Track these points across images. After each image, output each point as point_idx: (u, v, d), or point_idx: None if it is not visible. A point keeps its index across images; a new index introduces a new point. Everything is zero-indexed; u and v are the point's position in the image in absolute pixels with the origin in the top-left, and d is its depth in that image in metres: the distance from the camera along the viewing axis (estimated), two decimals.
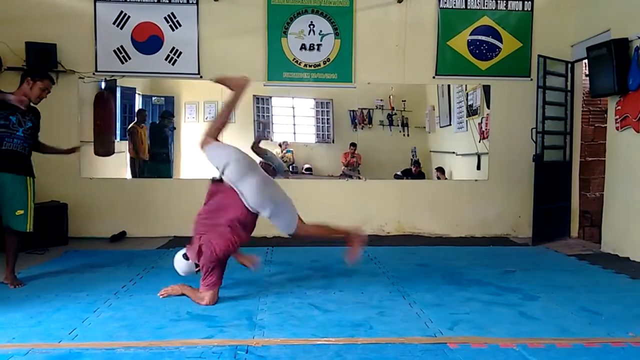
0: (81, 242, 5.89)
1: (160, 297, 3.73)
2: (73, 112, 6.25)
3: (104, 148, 6.47)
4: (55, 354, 2.72)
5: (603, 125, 6.23)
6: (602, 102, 6.36)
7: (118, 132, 6.58)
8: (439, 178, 6.80)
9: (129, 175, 6.58)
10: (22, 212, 4.04)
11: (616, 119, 5.54)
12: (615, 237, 5.60)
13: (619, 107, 5.48)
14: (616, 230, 5.60)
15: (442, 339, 2.98)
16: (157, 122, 6.69)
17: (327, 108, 6.77)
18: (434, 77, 6.59)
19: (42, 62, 5.91)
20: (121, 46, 6.25)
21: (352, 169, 6.73)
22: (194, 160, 6.57)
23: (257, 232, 6.18)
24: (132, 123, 6.60)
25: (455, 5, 6.51)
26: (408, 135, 6.75)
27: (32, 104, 4.21)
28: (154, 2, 6.28)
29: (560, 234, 6.44)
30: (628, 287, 4.25)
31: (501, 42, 6.56)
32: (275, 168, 6.36)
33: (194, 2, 6.29)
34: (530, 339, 2.98)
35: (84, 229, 6.15)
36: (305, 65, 6.47)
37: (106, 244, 5.92)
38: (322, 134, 6.83)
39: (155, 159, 6.69)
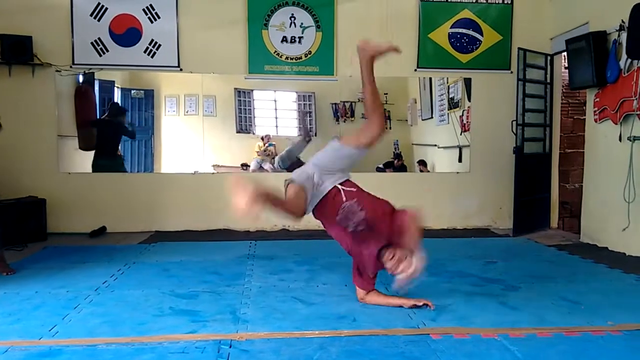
0: (60, 238, 5.80)
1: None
2: (51, 106, 6.12)
3: (87, 142, 6.37)
4: (35, 351, 2.68)
5: (582, 118, 6.31)
6: (581, 94, 6.44)
7: None
8: (421, 171, 6.83)
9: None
10: None
11: (595, 111, 5.61)
12: (594, 227, 5.68)
13: (598, 99, 5.55)
14: (595, 220, 5.68)
15: (425, 330, 3.00)
16: (105, 117, 6.50)
17: (309, 101, 6.75)
18: (415, 70, 6.60)
19: (17, 55, 5.80)
20: (99, 38, 6.14)
21: None
22: (175, 155, 6.52)
23: (242, 225, 6.26)
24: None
25: None
26: (390, 128, 6.75)
27: None
28: None
29: (540, 225, 6.52)
30: (607, 276, 4.32)
31: (481, 35, 6.59)
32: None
33: None
34: (512, 329, 3.01)
35: (63, 225, 6.05)
36: (287, 58, 6.43)
37: (86, 240, 5.84)
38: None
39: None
